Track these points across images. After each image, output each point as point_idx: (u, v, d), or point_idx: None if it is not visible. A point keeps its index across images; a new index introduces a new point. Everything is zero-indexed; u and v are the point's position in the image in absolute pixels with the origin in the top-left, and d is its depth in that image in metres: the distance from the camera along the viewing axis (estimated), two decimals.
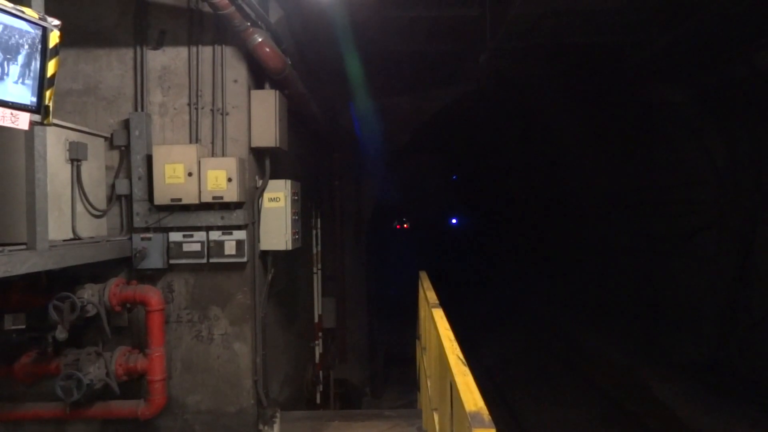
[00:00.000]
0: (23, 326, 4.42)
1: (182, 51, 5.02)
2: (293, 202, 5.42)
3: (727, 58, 9.22)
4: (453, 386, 2.39)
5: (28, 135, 3.45)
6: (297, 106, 6.28)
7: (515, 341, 17.32)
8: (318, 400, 8.61)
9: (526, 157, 21.12)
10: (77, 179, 4.48)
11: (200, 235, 4.88)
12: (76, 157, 4.42)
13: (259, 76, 5.23)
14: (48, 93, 2.96)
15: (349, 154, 11.33)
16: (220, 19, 4.73)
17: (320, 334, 9.13)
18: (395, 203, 22.99)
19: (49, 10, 3.11)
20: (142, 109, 4.98)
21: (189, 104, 5.01)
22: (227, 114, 5.03)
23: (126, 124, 4.96)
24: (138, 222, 4.89)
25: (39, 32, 2.87)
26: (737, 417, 9.17)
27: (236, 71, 5.03)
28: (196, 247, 4.87)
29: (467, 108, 13.80)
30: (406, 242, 29.25)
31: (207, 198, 4.76)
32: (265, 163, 5.39)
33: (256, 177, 5.32)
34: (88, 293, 4.46)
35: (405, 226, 34.02)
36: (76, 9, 4.93)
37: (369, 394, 11.79)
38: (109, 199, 4.96)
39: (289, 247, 5.32)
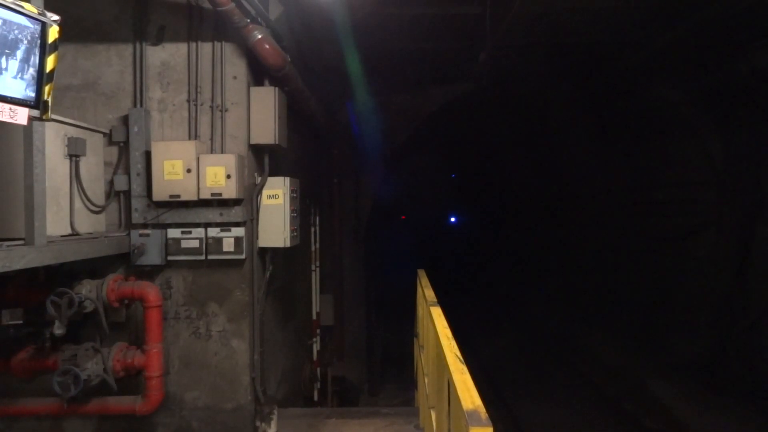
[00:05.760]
0: (21, 321, 4.41)
1: (182, 47, 5.01)
2: (292, 199, 5.42)
3: (726, 58, 9.22)
4: (450, 384, 2.40)
5: (27, 130, 3.45)
6: (296, 103, 6.28)
7: (513, 340, 17.35)
8: (315, 398, 8.62)
9: (524, 155, 21.13)
10: (76, 175, 4.48)
11: (198, 232, 4.88)
12: (74, 153, 4.41)
13: (259, 72, 5.23)
14: (47, 88, 2.96)
15: (348, 151, 11.32)
16: (220, 16, 4.72)
17: (318, 331, 9.13)
18: (394, 201, 22.98)
19: (49, 5, 3.10)
20: (141, 105, 4.97)
21: (188, 100, 5.01)
22: (226, 110, 5.02)
23: (125, 120, 4.96)
24: (136, 218, 4.89)
25: (38, 27, 2.87)
26: (734, 416, 9.19)
27: (236, 68, 5.03)
28: (195, 243, 4.87)
29: (467, 106, 13.79)
30: (405, 240, 29.23)
31: (206, 194, 4.76)
32: (264, 160, 5.39)
33: (255, 174, 5.32)
34: (86, 289, 4.46)
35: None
36: (75, 4, 4.92)
37: (366, 391, 11.80)
38: (108, 195, 4.95)
39: (288, 245, 5.33)
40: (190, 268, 5.01)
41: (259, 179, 5.32)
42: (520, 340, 17.21)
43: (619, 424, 10.03)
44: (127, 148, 4.93)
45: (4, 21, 2.68)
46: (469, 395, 2.09)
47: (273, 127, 5.09)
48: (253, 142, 5.10)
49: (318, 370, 8.89)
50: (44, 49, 2.91)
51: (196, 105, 5.00)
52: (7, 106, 2.76)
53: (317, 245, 9.15)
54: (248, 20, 4.76)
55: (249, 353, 5.06)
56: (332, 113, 10.18)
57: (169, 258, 4.90)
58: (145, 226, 4.89)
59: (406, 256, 25.35)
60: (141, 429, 4.97)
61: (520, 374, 13.51)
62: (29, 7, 2.82)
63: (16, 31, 2.75)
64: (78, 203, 4.52)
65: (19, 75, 2.80)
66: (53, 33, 2.94)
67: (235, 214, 4.90)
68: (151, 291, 4.68)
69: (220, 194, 4.76)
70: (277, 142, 5.14)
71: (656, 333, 12.70)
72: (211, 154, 4.87)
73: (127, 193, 4.94)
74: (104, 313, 4.51)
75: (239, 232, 4.90)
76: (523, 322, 19.52)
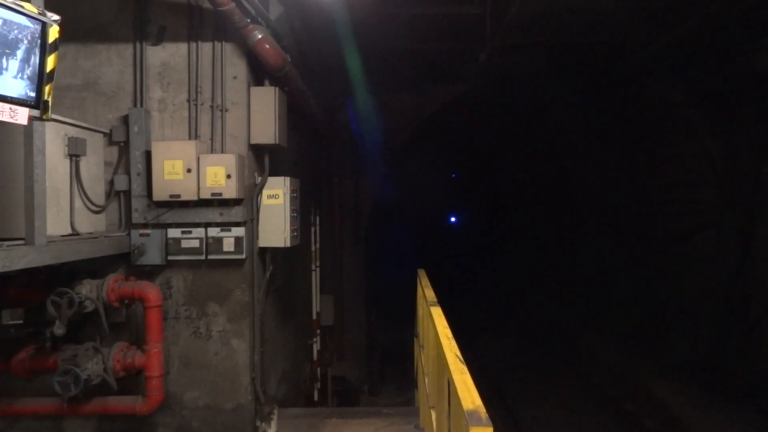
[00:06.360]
0: (21, 321, 4.42)
1: (182, 47, 5.01)
2: (292, 199, 5.43)
3: (726, 58, 9.22)
4: (451, 384, 2.40)
5: (27, 130, 3.45)
6: (296, 103, 6.28)
7: (513, 339, 17.34)
8: (315, 398, 8.62)
9: (525, 155, 21.13)
10: (76, 175, 4.48)
11: (199, 232, 4.88)
12: (74, 153, 4.42)
13: (259, 72, 5.23)
14: (47, 88, 2.96)
15: (348, 151, 11.33)
16: (220, 16, 4.73)
17: (318, 331, 9.14)
18: (394, 201, 22.96)
19: (49, 5, 3.10)
20: (142, 105, 4.97)
21: (188, 100, 5.01)
22: (227, 110, 5.02)
23: (125, 120, 4.96)
24: (136, 218, 4.89)
25: (38, 27, 2.87)
26: (734, 417, 9.18)
27: (236, 68, 5.03)
28: (195, 243, 4.87)
29: (467, 106, 13.80)
30: (405, 240, 29.22)
31: (206, 194, 4.76)
32: (264, 159, 5.39)
33: (255, 174, 5.32)
34: (87, 289, 4.46)
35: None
36: (75, 4, 4.92)
37: (367, 391, 11.79)
38: (108, 195, 4.95)
39: (288, 245, 5.33)
40: (190, 267, 5.01)
41: (259, 179, 5.32)
42: (521, 340, 17.20)
43: (619, 424, 10.03)
44: (128, 148, 4.93)
45: (5, 21, 2.67)
46: (469, 395, 2.09)
47: (273, 127, 5.09)
48: (253, 142, 5.10)
49: (318, 370, 8.90)
50: (44, 49, 2.91)
51: (196, 105, 5.00)
52: (7, 105, 2.76)
53: (317, 245, 9.15)
54: (248, 20, 4.76)
55: (249, 353, 5.06)
56: (332, 113, 10.18)
57: (170, 258, 4.90)
58: (145, 225, 4.89)
59: (406, 255, 25.34)
60: (141, 429, 4.97)
61: (520, 374, 13.51)
62: (29, 7, 2.81)
63: (17, 31, 2.75)
64: (78, 203, 4.52)
65: (20, 75, 2.80)
66: (53, 33, 2.94)
67: (236, 214, 4.90)
68: (151, 291, 4.68)
69: (221, 194, 4.76)
70: (277, 142, 5.14)
71: (656, 333, 12.70)
72: (211, 154, 4.88)
73: (128, 193, 4.94)
74: (104, 313, 4.52)
75: (239, 232, 4.90)
76: (523, 322, 19.50)
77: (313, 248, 8.93)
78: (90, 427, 4.98)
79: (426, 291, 4.91)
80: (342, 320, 11.01)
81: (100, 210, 4.83)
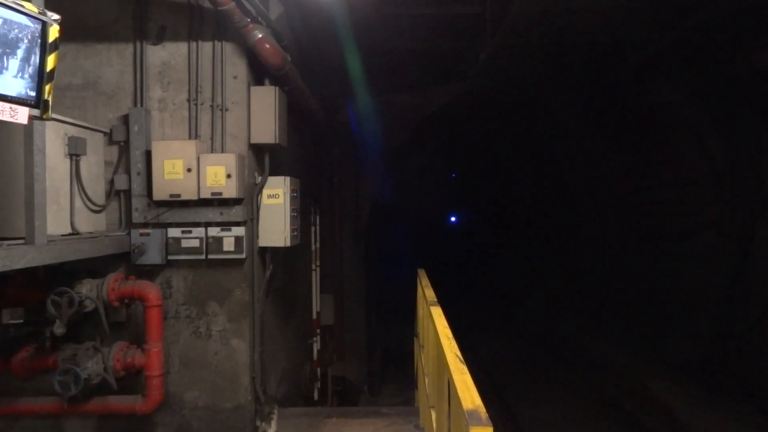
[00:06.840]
0: (21, 321, 4.42)
1: (182, 47, 5.01)
2: (292, 198, 5.43)
3: (727, 58, 9.22)
4: (451, 384, 2.40)
5: (27, 129, 3.45)
6: (297, 102, 6.28)
7: (513, 339, 17.35)
8: (315, 397, 8.62)
9: (524, 154, 21.14)
10: (76, 174, 4.48)
11: (199, 231, 4.88)
12: (75, 152, 4.42)
13: (259, 72, 5.23)
14: (47, 87, 2.96)
15: (349, 151, 11.33)
16: (220, 15, 4.73)
17: (318, 331, 9.14)
18: (394, 201, 22.95)
19: (49, 4, 3.10)
20: (142, 105, 4.97)
21: (188, 100, 5.01)
22: (227, 110, 5.02)
23: (125, 120, 4.96)
24: (137, 217, 4.89)
25: (38, 26, 2.87)
26: (734, 416, 9.18)
27: (236, 67, 5.03)
28: (195, 243, 4.87)
29: (467, 106, 13.80)
30: (405, 240, 29.21)
31: (206, 194, 4.76)
32: (264, 159, 5.39)
33: (255, 173, 5.32)
34: (87, 288, 4.46)
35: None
36: (76, 4, 4.92)
37: (367, 391, 11.79)
38: (108, 195, 4.95)
39: (288, 244, 5.33)
40: (190, 267, 5.01)
41: (259, 179, 5.32)
42: (521, 340, 17.21)
43: (619, 424, 10.03)
44: (128, 148, 4.93)
45: (5, 20, 2.67)
46: (469, 395, 2.09)
47: (273, 126, 5.09)
48: (253, 141, 5.10)
49: (318, 369, 8.90)
50: (45, 49, 2.91)
51: (196, 104, 5.00)
52: (7, 105, 2.76)
53: (317, 245, 9.16)
54: (248, 20, 4.76)
55: (249, 353, 5.06)
56: (332, 113, 10.18)
57: (170, 257, 4.90)
58: (145, 225, 4.89)
59: (406, 255, 25.33)
60: (141, 428, 4.97)
61: (520, 374, 13.50)
62: (30, 7, 2.81)
63: (17, 31, 2.75)
64: (78, 202, 4.52)
65: (20, 74, 2.80)
66: (54, 32, 2.94)
67: (236, 213, 4.90)
68: (151, 290, 4.68)
69: (221, 194, 4.76)
70: (277, 142, 5.14)
71: (656, 333, 12.69)
72: (211, 154, 4.88)
73: (128, 193, 4.94)
74: (104, 312, 4.52)
75: (239, 231, 4.90)
76: (523, 322, 19.51)
77: (313, 248, 8.93)
78: (90, 427, 4.98)
79: (426, 291, 4.91)
80: (342, 320, 11.01)
81: (100, 209, 4.83)
